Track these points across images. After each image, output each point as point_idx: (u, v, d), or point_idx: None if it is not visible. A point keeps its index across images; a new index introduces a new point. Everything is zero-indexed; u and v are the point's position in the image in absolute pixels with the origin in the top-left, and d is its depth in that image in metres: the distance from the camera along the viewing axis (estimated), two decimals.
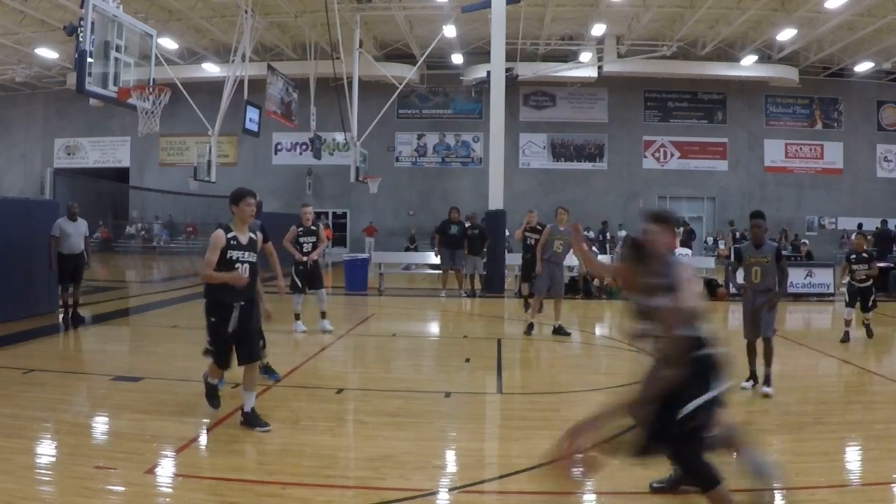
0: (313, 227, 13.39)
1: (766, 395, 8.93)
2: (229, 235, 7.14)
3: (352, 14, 29.92)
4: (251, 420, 7.21)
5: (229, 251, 7.11)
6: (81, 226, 14.17)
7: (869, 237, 24.92)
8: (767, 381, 9.09)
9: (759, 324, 9.24)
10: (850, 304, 13.80)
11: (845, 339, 13.39)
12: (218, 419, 7.43)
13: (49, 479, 5.88)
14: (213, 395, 7.60)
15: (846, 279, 14.16)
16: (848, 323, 13.53)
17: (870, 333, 13.71)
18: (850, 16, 29.18)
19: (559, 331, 13.69)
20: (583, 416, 7.85)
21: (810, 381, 10.59)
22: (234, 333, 7.18)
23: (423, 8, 31.07)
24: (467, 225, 21.31)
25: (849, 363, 11.44)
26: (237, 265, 7.14)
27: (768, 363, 9.10)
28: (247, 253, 7.23)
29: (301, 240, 13.35)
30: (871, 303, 13.82)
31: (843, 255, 35.61)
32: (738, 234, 31.60)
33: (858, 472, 6.57)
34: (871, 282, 13.82)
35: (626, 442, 4.87)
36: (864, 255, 13.83)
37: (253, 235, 7.37)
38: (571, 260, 17.85)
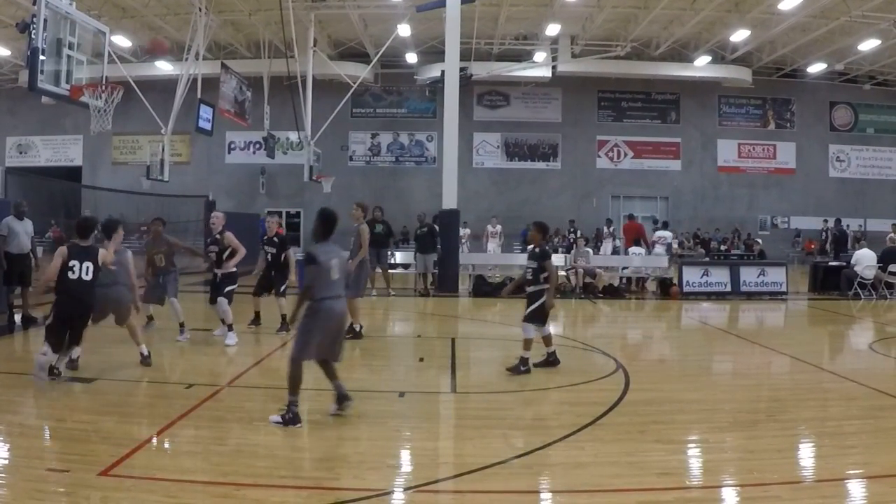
0: (217, 236, 12.61)
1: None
2: None
3: (306, 12, 29.83)
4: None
5: None
6: (28, 225, 14.02)
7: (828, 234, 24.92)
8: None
9: None
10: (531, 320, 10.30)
11: (551, 361, 10.50)
12: (171, 420, 7.42)
13: (1, 482, 5.85)
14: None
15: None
16: (547, 341, 10.60)
17: (547, 362, 10.52)
18: (804, 17, 29.60)
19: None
20: (535, 414, 8.02)
21: (763, 379, 10.79)
22: None
23: (378, 7, 30.97)
24: (417, 224, 21.65)
25: (801, 361, 11.56)
26: None
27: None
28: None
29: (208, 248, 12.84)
30: (533, 312, 10.24)
31: (795, 254, 36.51)
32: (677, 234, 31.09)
33: (811, 468, 6.69)
34: (542, 286, 10.21)
35: None
36: (536, 250, 10.45)
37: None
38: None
